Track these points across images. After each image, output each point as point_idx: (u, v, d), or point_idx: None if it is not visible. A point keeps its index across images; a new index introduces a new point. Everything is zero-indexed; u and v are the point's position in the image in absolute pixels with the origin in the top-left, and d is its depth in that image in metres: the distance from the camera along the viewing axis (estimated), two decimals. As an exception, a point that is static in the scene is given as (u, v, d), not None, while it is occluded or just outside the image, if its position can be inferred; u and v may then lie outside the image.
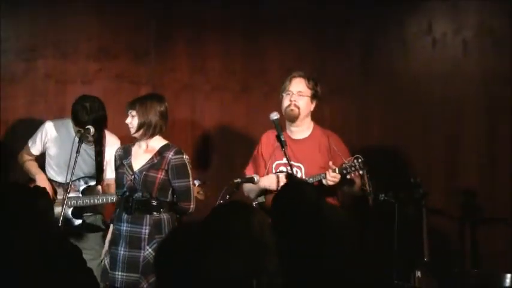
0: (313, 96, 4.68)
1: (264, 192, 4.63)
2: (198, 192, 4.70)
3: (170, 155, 4.43)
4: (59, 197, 4.96)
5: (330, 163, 4.47)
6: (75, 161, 4.59)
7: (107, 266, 4.47)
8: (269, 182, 4.57)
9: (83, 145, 4.77)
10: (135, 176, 4.43)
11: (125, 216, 4.43)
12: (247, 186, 4.66)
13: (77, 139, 4.75)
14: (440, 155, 5.92)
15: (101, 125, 4.93)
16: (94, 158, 5.03)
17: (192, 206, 4.47)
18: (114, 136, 5.11)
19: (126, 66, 5.86)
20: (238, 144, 5.70)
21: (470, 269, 5.54)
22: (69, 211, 4.91)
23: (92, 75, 5.81)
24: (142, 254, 4.36)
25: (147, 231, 4.38)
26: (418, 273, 4.80)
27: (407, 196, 5.02)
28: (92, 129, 4.78)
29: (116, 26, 5.87)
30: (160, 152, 4.46)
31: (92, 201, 4.94)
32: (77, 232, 4.96)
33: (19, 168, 5.20)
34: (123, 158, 4.54)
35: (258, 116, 5.64)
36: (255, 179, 4.51)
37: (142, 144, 4.51)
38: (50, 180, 5.04)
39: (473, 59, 5.93)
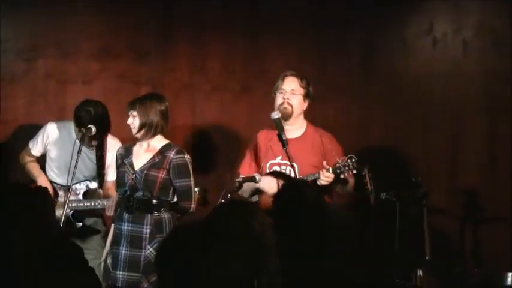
0: (306, 95, 4.68)
1: (258, 192, 4.62)
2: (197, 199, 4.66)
3: (172, 154, 4.43)
4: (60, 199, 4.96)
5: (324, 163, 4.46)
6: (76, 162, 4.59)
7: (109, 266, 4.47)
8: (268, 186, 4.55)
9: (84, 148, 4.77)
10: (136, 175, 4.43)
11: (126, 215, 4.43)
12: (235, 186, 4.61)
13: (77, 141, 4.75)
14: (441, 155, 5.92)
15: (105, 130, 4.92)
16: (95, 161, 5.03)
17: (193, 206, 4.47)
18: (115, 139, 5.10)
19: (126, 66, 5.86)
20: (238, 144, 5.69)
21: (472, 269, 5.54)
22: (70, 214, 4.90)
23: (92, 75, 5.81)
24: (143, 253, 4.36)
25: (148, 230, 4.37)
26: (420, 273, 4.80)
27: (409, 195, 5.01)
28: (93, 129, 4.78)
29: (117, 26, 5.87)
30: (162, 152, 4.46)
31: (92, 204, 4.93)
32: (77, 234, 4.95)
33: (19, 169, 5.20)
34: (124, 157, 4.54)
35: (258, 116, 5.63)
36: (257, 178, 4.50)
37: (144, 143, 4.51)
38: (51, 182, 5.03)
39: (473, 59, 5.92)
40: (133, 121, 4.45)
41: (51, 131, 5.07)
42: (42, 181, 5.00)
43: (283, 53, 5.94)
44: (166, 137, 4.56)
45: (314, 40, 5.98)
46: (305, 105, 4.71)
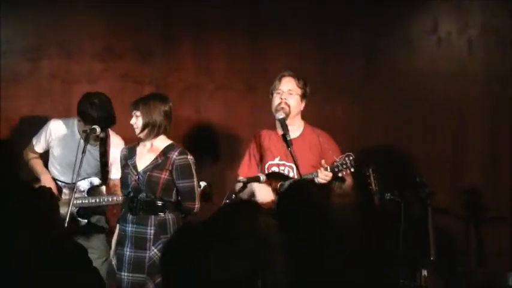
0: (303, 96, 4.69)
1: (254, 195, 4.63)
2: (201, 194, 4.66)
3: (174, 155, 4.42)
4: (64, 197, 4.97)
5: (322, 161, 4.47)
6: (81, 162, 4.59)
7: (115, 267, 4.47)
8: (263, 196, 4.55)
9: (87, 145, 4.77)
10: (139, 176, 4.42)
11: (130, 216, 4.43)
12: (239, 186, 4.61)
13: (81, 139, 4.75)
14: (445, 155, 5.92)
15: (110, 122, 4.91)
16: (98, 158, 5.03)
17: (196, 206, 4.46)
18: (117, 136, 5.11)
19: (131, 66, 5.87)
20: (242, 144, 5.69)
21: (476, 268, 5.54)
22: (75, 211, 4.90)
23: (96, 75, 5.81)
24: (147, 254, 4.35)
25: (152, 231, 4.37)
26: (424, 273, 4.80)
27: (413, 195, 5.01)
28: (98, 129, 4.78)
29: (118, 26, 5.87)
30: (165, 152, 4.45)
31: (97, 201, 4.94)
32: (82, 231, 4.96)
33: (24, 167, 5.20)
34: (128, 158, 4.54)
35: (262, 115, 5.62)
36: (261, 178, 4.51)
37: (147, 144, 4.50)
38: (54, 180, 5.04)
39: (478, 59, 5.92)
40: (136, 121, 4.44)
41: (54, 128, 5.07)
42: (45, 178, 5.01)
43: (283, 53, 5.95)
44: (170, 136, 4.56)
45: (314, 40, 5.98)
46: (302, 105, 4.71)
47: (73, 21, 5.80)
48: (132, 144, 4.65)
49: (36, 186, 4.86)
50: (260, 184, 4.54)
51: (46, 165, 5.12)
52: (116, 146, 5.01)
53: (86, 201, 4.94)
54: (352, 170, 4.44)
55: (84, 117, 4.87)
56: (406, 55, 6.00)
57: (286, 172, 4.65)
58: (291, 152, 4.45)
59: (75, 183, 4.64)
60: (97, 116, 4.81)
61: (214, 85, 5.97)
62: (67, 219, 4.44)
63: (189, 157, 4.44)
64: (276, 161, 4.66)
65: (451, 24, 5.96)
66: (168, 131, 4.51)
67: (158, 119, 4.42)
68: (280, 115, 4.57)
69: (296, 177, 4.56)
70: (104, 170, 5.05)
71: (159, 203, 4.39)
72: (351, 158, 4.41)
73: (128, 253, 4.40)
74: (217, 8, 5.92)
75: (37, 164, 5.11)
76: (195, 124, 5.95)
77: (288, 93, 4.65)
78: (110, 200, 4.91)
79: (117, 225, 4.60)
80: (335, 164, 4.43)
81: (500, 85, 5.84)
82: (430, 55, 5.97)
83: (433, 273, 4.82)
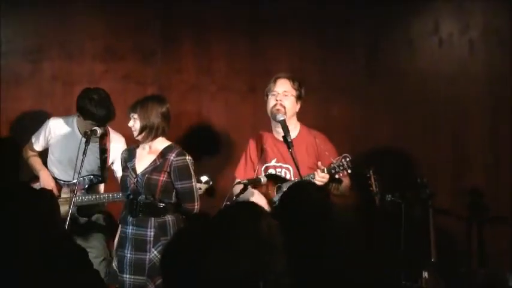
0: (298, 97, 4.69)
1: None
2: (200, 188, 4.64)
3: (172, 156, 4.39)
4: (63, 195, 4.97)
5: (319, 163, 4.46)
6: (82, 162, 4.59)
7: (116, 269, 4.47)
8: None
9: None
10: (138, 179, 4.41)
11: (130, 219, 4.42)
12: (236, 189, 4.59)
13: (81, 139, 4.75)
14: (447, 155, 5.91)
15: (109, 117, 4.89)
16: (97, 155, 5.03)
17: (196, 207, 4.45)
18: (117, 133, 5.10)
19: (132, 67, 5.87)
20: (244, 145, 5.69)
21: (477, 269, 5.54)
22: (75, 210, 4.89)
23: (98, 76, 5.81)
24: (148, 256, 4.35)
25: (152, 233, 4.36)
26: (425, 274, 4.80)
27: (414, 196, 5.01)
28: (99, 131, 4.78)
29: (122, 27, 5.88)
30: (163, 154, 4.43)
31: (98, 198, 4.94)
32: (81, 230, 4.96)
33: (24, 166, 5.21)
34: (127, 160, 4.53)
35: (264, 116, 5.61)
36: (262, 180, 4.51)
37: (146, 146, 4.49)
38: (53, 178, 5.04)
39: (479, 59, 5.92)
40: (134, 124, 4.43)
41: (53, 126, 5.07)
42: (44, 176, 5.02)
43: (284, 53, 5.94)
44: (172, 138, 4.55)
45: (314, 40, 5.98)
46: (298, 107, 4.72)
47: (73, 21, 5.81)
48: (132, 146, 4.65)
49: (36, 183, 4.91)
50: (255, 194, 4.54)
51: (45, 165, 5.11)
52: (116, 142, 5.03)
53: (86, 198, 4.93)
54: (349, 171, 4.42)
55: (84, 112, 4.86)
56: (407, 56, 5.99)
57: (283, 174, 4.65)
58: (291, 154, 4.44)
59: (74, 183, 4.64)
60: (96, 112, 4.81)
61: (216, 86, 5.97)
62: (68, 218, 4.44)
63: (187, 158, 4.42)
64: (273, 163, 4.67)
65: (452, 25, 5.95)
66: (166, 133, 4.49)
67: (156, 121, 4.40)
68: (280, 117, 4.56)
69: (293, 179, 4.57)
70: (103, 167, 5.04)
71: (159, 205, 4.38)
72: (348, 159, 4.40)
73: (128, 255, 4.40)
74: (217, 8, 5.92)
75: (36, 162, 5.12)
76: (197, 125, 5.95)
77: (283, 95, 4.66)
78: (111, 197, 4.91)
79: (120, 225, 4.59)
80: (332, 165, 4.43)
81: (501, 85, 5.84)
82: (431, 56, 5.97)
83: (434, 274, 4.82)
